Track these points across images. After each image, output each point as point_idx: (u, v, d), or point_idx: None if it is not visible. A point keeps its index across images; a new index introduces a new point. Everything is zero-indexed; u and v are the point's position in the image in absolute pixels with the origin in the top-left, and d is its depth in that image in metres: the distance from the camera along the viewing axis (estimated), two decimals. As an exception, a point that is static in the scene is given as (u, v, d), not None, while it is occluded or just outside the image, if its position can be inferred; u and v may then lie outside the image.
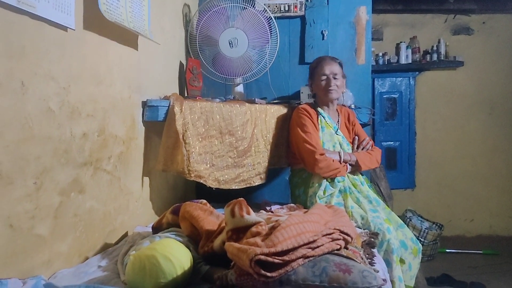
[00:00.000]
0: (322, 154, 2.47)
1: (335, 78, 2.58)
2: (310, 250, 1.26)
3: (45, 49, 1.40)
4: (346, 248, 1.43)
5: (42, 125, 1.38)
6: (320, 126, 2.59)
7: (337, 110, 2.73)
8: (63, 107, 1.49)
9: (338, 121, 2.69)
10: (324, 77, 2.60)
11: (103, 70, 1.79)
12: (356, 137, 2.67)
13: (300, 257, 1.23)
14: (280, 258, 1.19)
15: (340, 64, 2.65)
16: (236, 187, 2.56)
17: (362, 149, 2.63)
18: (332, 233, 1.36)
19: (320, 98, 2.65)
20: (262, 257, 1.16)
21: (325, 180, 2.50)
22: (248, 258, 1.16)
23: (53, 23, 1.42)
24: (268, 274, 1.17)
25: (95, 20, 1.69)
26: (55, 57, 1.45)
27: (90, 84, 1.68)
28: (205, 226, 1.58)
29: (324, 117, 2.62)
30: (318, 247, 1.28)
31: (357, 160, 2.52)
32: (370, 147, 2.65)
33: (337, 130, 2.63)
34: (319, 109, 2.65)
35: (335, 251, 1.32)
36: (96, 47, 1.74)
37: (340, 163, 2.49)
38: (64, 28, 1.49)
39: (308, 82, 2.76)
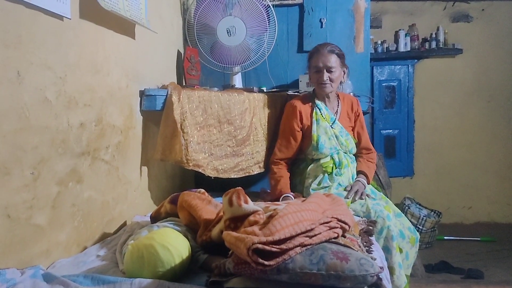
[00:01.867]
0: (278, 164, 2.54)
1: (329, 72, 2.47)
2: (307, 238, 1.26)
3: (41, 38, 1.39)
4: (343, 236, 1.43)
5: (39, 115, 1.38)
6: (314, 119, 2.54)
7: (338, 98, 2.67)
8: (60, 97, 1.49)
9: (337, 111, 2.65)
10: (316, 69, 2.50)
11: (100, 60, 1.78)
12: (350, 185, 2.45)
13: (297, 246, 1.23)
14: (277, 246, 1.19)
15: (339, 55, 2.51)
16: (235, 176, 2.57)
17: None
18: (330, 222, 1.36)
19: (316, 90, 2.61)
20: (260, 245, 1.16)
21: (322, 173, 2.50)
22: (245, 247, 1.16)
23: (48, 12, 1.41)
24: (266, 262, 1.17)
25: (91, 9, 1.67)
26: (51, 46, 1.44)
27: (87, 74, 1.68)
28: (203, 215, 1.58)
29: (320, 109, 2.56)
30: (315, 235, 1.28)
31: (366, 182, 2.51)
32: (362, 196, 2.38)
33: (334, 121, 2.58)
34: (316, 100, 2.59)
35: (333, 240, 1.33)
36: (93, 36, 1.73)
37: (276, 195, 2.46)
38: (60, 17, 1.48)
39: (307, 71, 2.72)
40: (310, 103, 2.59)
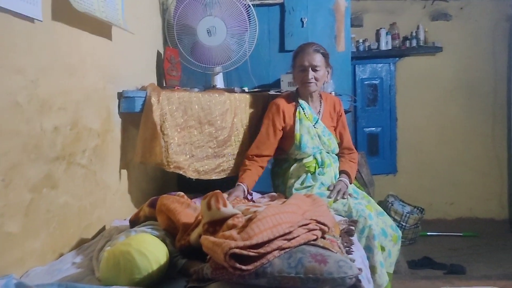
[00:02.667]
0: (251, 159, 2.50)
1: (314, 70, 2.46)
2: (286, 241, 1.25)
3: (11, 41, 1.36)
4: (323, 237, 1.42)
5: (9, 120, 1.34)
6: (298, 118, 2.53)
7: (320, 98, 2.66)
8: (31, 101, 1.45)
9: (320, 111, 2.64)
10: (301, 68, 2.49)
11: (75, 62, 1.75)
12: (332, 185, 2.44)
13: (276, 249, 1.22)
14: (255, 250, 1.18)
15: (324, 54, 2.51)
16: (216, 177, 2.55)
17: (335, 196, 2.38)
18: (309, 224, 1.35)
19: (299, 89, 2.61)
20: (237, 250, 1.15)
21: (305, 173, 2.50)
22: (222, 251, 1.14)
23: (18, 15, 1.38)
24: (244, 267, 1.15)
25: (64, 11, 1.64)
26: (22, 49, 1.41)
27: (61, 76, 1.64)
28: (182, 219, 1.56)
29: (303, 109, 2.55)
30: (294, 238, 1.27)
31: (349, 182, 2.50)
32: (344, 196, 2.37)
33: (317, 121, 2.58)
34: (299, 100, 2.58)
35: (312, 242, 1.32)
36: (67, 38, 1.70)
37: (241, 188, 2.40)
38: (30, 19, 1.45)
39: (291, 70, 2.68)
40: (294, 103, 2.58)
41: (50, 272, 1.42)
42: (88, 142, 1.86)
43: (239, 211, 1.40)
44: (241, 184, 2.39)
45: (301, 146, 2.49)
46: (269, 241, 1.21)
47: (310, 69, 2.46)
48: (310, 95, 2.57)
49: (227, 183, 2.57)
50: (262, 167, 2.53)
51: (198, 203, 1.69)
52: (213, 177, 2.54)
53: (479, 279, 3.27)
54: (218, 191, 1.42)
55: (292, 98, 2.60)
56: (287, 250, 1.24)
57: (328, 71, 2.56)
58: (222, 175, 2.59)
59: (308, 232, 1.33)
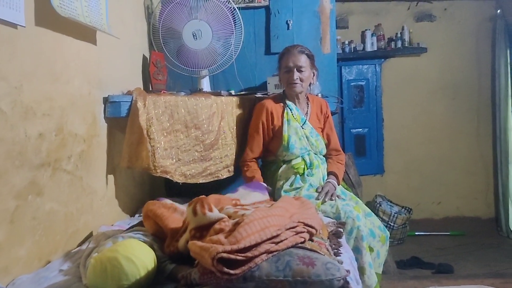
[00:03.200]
0: (250, 161, 2.60)
1: (299, 71, 2.50)
2: (273, 245, 1.25)
3: (-7, 48, 1.34)
4: (311, 240, 1.43)
5: (-7, 127, 1.33)
6: (285, 119, 2.55)
7: (307, 100, 2.69)
8: (15, 108, 1.43)
9: (307, 112, 2.66)
10: (286, 69, 2.52)
11: (59, 67, 1.73)
12: (320, 186, 2.47)
13: (263, 253, 1.22)
14: (243, 254, 1.18)
15: (309, 55, 2.54)
16: (203, 181, 2.55)
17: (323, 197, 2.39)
18: (296, 226, 1.36)
19: (286, 90, 2.62)
20: (225, 254, 1.15)
21: (293, 174, 2.51)
22: (210, 256, 1.15)
23: (1, 21, 1.36)
24: (231, 271, 1.15)
25: (48, 16, 1.62)
26: (4, 55, 1.39)
27: (45, 82, 1.63)
28: (169, 224, 1.55)
29: (291, 110, 2.57)
30: (281, 241, 1.28)
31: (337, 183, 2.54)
32: (332, 197, 2.39)
33: (304, 122, 2.60)
34: (287, 101, 2.60)
35: (300, 244, 1.32)
36: (51, 44, 1.68)
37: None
38: (13, 25, 1.43)
39: (277, 72, 2.70)
40: (281, 104, 2.60)
41: (36, 280, 1.41)
42: (73, 147, 1.84)
43: (225, 215, 1.40)
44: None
45: (289, 147, 2.51)
46: (257, 244, 1.22)
47: (295, 70, 2.49)
48: (296, 96, 2.58)
49: (215, 187, 2.57)
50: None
51: (184, 207, 1.68)
52: (200, 181, 2.54)
53: (467, 277, 3.30)
54: (203, 196, 1.42)
55: (280, 99, 2.62)
56: (274, 253, 1.25)
57: (314, 73, 2.59)
58: (209, 179, 2.59)
59: (295, 234, 1.34)
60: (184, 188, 2.52)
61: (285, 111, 2.56)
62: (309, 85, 2.63)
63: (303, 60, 2.51)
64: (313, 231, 1.41)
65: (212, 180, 2.59)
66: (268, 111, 2.55)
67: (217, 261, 1.14)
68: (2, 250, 1.37)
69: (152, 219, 1.61)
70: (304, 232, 1.37)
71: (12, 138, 1.42)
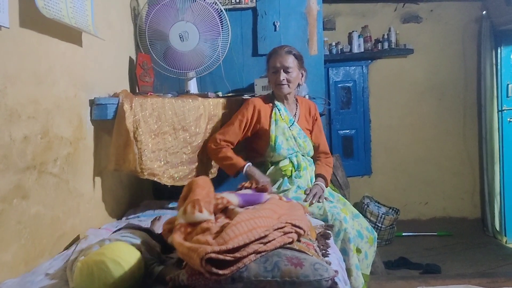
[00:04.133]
0: (222, 145, 2.53)
1: (286, 72, 2.50)
2: (261, 245, 1.25)
3: (-24, 49, 1.33)
4: (299, 241, 1.43)
5: (-24, 130, 1.31)
6: (273, 119, 2.55)
7: (296, 101, 2.69)
8: (0, 110, 1.42)
9: (296, 113, 2.66)
10: (274, 70, 2.53)
11: (43, 69, 1.71)
12: (309, 189, 2.47)
13: (252, 253, 1.22)
14: (231, 255, 1.18)
15: (296, 56, 2.54)
16: None
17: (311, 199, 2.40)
18: (284, 227, 1.36)
19: (274, 91, 2.62)
20: (213, 255, 1.15)
21: (281, 177, 2.50)
22: (198, 257, 1.14)
23: (-16, 22, 1.35)
24: (220, 272, 1.15)
25: (32, 18, 1.61)
26: (-12, 57, 1.38)
27: (29, 85, 1.61)
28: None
29: (279, 110, 2.58)
30: (269, 241, 1.28)
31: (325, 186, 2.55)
32: (319, 199, 2.40)
33: (293, 123, 2.60)
34: (275, 102, 2.60)
35: (288, 245, 1.32)
36: (35, 46, 1.66)
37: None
38: (-3, 27, 1.42)
39: (266, 73, 2.70)
40: (270, 104, 2.60)
41: (22, 284, 1.39)
42: (59, 150, 1.82)
43: (212, 218, 1.40)
44: (246, 165, 2.49)
45: (275, 147, 2.51)
46: (245, 245, 1.22)
47: (282, 70, 2.49)
48: (285, 97, 2.59)
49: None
50: None
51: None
52: (185, 183, 2.52)
53: (454, 277, 3.33)
54: (197, 198, 1.43)
55: (269, 99, 2.62)
56: (263, 253, 1.25)
57: (302, 73, 2.59)
58: None
59: (283, 235, 1.34)
60: (172, 190, 2.51)
61: (273, 111, 2.57)
62: (298, 85, 2.62)
63: (290, 61, 2.51)
64: (301, 231, 1.42)
65: None
66: (256, 109, 2.54)
67: (206, 261, 1.14)
68: (-14, 255, 1.35)
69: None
70: (292, 232, 1.37)
71: (-4, 141, 1.40)
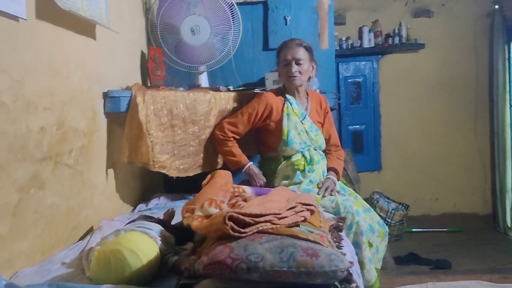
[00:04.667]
0: (228, 137, 2.55)
1: (298, 64, 2.49)
2: (276, 219, 1.32)
3: (-5, 40, 1.34)
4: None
5: (-5, 120, 1.33)
6: (285, 113, 2.55)
7: (307, 95, 2.68)
8: (17, 101, 1.43)
9: (307, 107, 2.66)
10: (285, 63, 2.51)
11: (59, 62, 1.73)
12: (321, 182, 2.46)
13: (268, 221, 1.30)
14: (250, 218, 1.29)
15: (307, 48, 2.54)
16: (193, 174, 2.57)
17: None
18: (295, 207, 1.42)
19: (285, 84, 2.61)
20: (235, 214, 1.26)
21: (294, 172, 2.50)
22: (222, 216, 1.25)
23: (2, 13, 1.36)
24: (241, 229, 1.25)
25: (48, 9, 1.62)
26: (6, 49, 1.39)
27: (45, 77, 1.62)
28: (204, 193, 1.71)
29: (291, 104, 2.57)
30: (283, 218, 1.35)
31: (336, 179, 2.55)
32: (332, 193, 2.41)
33: (304, 117, 2.59)
34: (287, 95, 2.59)
35: (302, 237, 1.32)
36: (51, 38, 1.68)
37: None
38: (15, 18, 1.43)
39: (276, 66, 2.69)
40: (282, 98, 2.59)
41: (39, 272, 1.41)
42: (74, 142, 1.84)
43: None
44: (247, 164, 2.56)
45: (288, 141, 2.50)
46: (261, 215, 1.31)
47: (293, 63, 2.49)
48: (296, 90, 2.58)
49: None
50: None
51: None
52: (190, 174, 2.56)
53: (465, 273, 3.31)
54: (214, 198, 1.57)
55: (280, 93, 2.61)
56: (278, 226, 1.32)
57: (312, 66, 2.58)
58: (198, 171, 2.60)
59: (295, 214, 1.39)
60: (181, 182, 2.56)
61: (285, 105, 2.56)
62: (309, 79, 2.62)
63: (301, 53, 2.50)
64: (313, 208, 1.46)
65: (200, 172, 2.61)
66: (268, 105, 2.53)
67: (228, 218, 1.25)
68: (5, 244, 1.37)
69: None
70: (304, 211, 1.41)
71: (14, 132, 1.41)
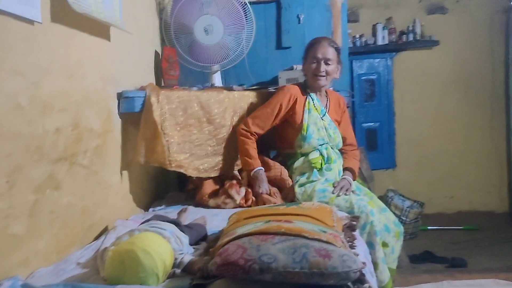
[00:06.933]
0: (253, 136, 2.50)
1: (327, 64, 2.47)
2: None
3: (11, 43, 1.36)
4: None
5: (12, 121, 1.35)
6: (307, 108, 2.53)
7: (326, 94, 2.67)
8: (33, 103, 1.45)
9: (327, 105, 2.63)
10: (314, 61, 2.49)
11: (73, 63, 1.75)
12: (336, 182, 2.44)
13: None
14: None
15: (337, 49, 2.53)
16: (215, 175, 2.56)
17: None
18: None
19: (309, 81, 2.59)
20: None
21: (310, 169, 2.48)
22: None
23: (18, 17, 1.38)
24: None
25: (63, 12, 1.64)
26: (22, 51, 1.41)
27: (60, 78, 1.64)
28: None
29: (313, 99, 2.56)
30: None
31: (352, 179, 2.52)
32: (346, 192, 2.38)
33: (324, 114, 2.59)
34: (308, 90, 2.58)
35: (316, 237, 1.32)
36: (66, 40, 1.70)
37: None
38: (30, 21, 1.45)
39: (302, 62, 2.65)
40: (304, 92, 2.58)
41: (55, 272, 1.43)
42: (89, 142, 1.86)
43: None
44: (256, 168, 2.47)
45: (306, 136, 2.48)
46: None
47: (322, 62, 2.47)
48: (319, 89, 2.57)
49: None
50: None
51: None
52: (212, 175, 2.55)
53: (481, 271, 3.28)
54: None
55: (303, 88, 2.60)
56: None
57: (338, 67, 2.57)
58: (218, 173, 2.59)
59: None
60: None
61: (307, 100, 2.55)
62: (332, 79, 2.61)
63: (331, 53, 2.48)
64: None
65: (219, 174, 2.60)
66: (292, 98, 2.52)
67: None
68: (22, 243, 1.39)
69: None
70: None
71: (30, 133, 1.44)
